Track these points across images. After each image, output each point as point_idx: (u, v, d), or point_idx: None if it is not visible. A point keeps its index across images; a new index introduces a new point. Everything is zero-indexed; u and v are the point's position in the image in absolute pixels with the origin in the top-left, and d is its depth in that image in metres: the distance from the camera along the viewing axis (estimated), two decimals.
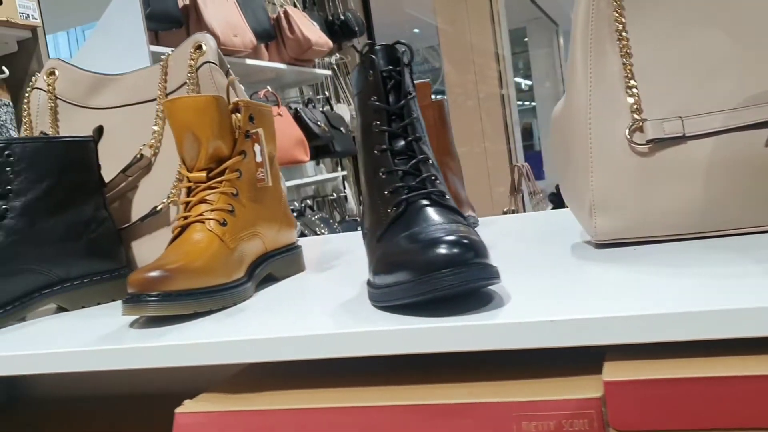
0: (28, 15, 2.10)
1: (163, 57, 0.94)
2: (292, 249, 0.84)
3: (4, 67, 2.11)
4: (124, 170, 0.90)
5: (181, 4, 2.92)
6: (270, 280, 0.80)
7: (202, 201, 0.73)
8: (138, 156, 0.90)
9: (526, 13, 8.09)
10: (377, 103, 0.66)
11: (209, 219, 0.71)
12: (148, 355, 0.58)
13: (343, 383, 0.56)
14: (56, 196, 0.80)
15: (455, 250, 0.51)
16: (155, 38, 2.85)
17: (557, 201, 3.56)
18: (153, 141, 0.91)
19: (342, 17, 4.15)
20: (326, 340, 0.53)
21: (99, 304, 0.83)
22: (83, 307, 0.82)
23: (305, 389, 0.56)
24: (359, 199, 4.11)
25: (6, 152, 0.77)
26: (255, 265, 0.76)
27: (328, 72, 4.11)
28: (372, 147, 0.66)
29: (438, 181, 0.63)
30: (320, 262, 0.90)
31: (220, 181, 0.74)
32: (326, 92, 4.11)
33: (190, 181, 0.75)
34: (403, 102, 0.66)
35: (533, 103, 8.29)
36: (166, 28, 2.89)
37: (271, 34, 3.42)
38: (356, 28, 4.14)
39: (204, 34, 0.92)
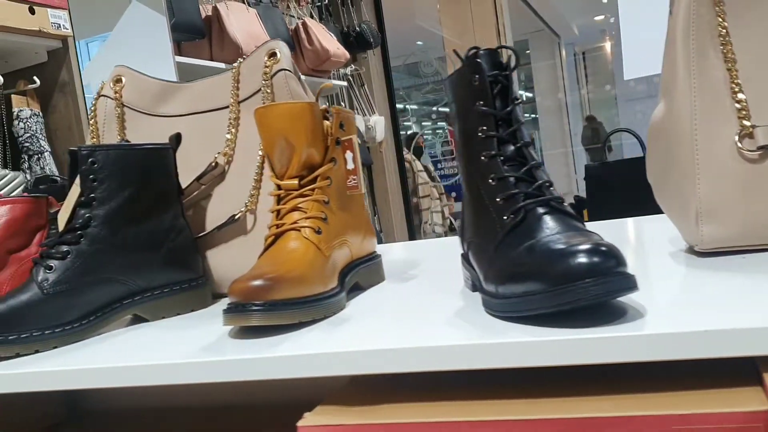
0: (59, 25, 2.09)
1: (234, 65, 0.93)
2: (374, 258, 0.83)
3: (35, 77, 2.10)
4: (198, 178, 0.89)
5: (203, 14, 2.92)
6: (355, 289, 0.79)
7: (295, 209, 0.71)
8: (213, 164, 0.89)
9: (529, 26, 8.12)
10: (484, 108, 0.64)
11: (305, 227, 0.70)
12: (264, 366, 0.56)
13: (468, 396, 0.54)
14: (138, 205, 0.79)
15: (596, 259, 0.49)
16: (177, 49, 2.85)
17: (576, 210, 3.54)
18: (227, 149, 0.90)
19: (357, 29, 4.15)
20: (459, 352, 0.51)
21: (178, 314, 0.81)
22: (163, 317, 0.80)
23: (427, 402, 0.55)
24: (374, 209, 4.10)
25: (90, 159, 0.76)
26: (344, 274, 0.74)
27: (344, 83, 4.11)
28: (478, 153, 0.64)
29: (553, 188, 0.62)
30: (396, 272, 0.89)
31: (312, 189, 0.72)
32: (342, 102, 4.10)
33: (280, 189, 0.73)
34: (510, 107, 0.64)
35: (535, 115, 8.31)
36: (189, 39, 2.88)
37: (291, 45, 3.42)
38: (371, 40, 4.14)
39: (278, 41, 0.91)
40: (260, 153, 0.88)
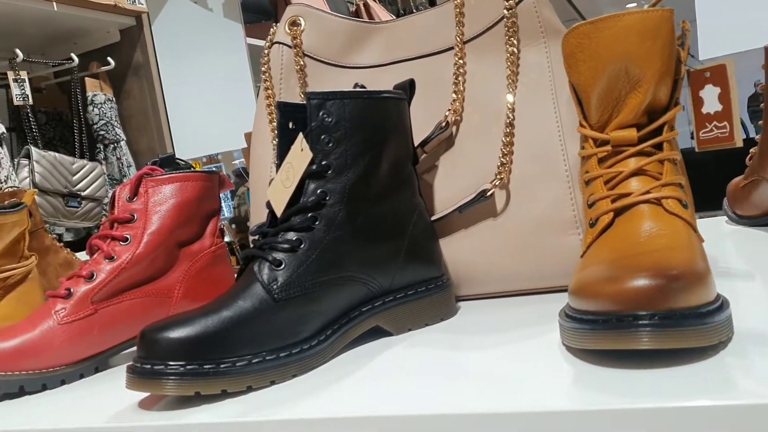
0: (134, 0, 1.89)
1: None
2: None
3: (110, 58, 1.90)
4: (422, 144, 0.67)
5: None
6: None
7: (639, 172, 0.49)
8: (442, 124, 0.67)
9: (561, 14, 7.86)
10: None
11: (666, 197, 0.47)
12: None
13: None
14: (377, 175, 0.57)
15: None
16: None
17: None
18: (457, 105, 0.68)
19: (414, 11, 3.94)
20: None
21: (426, 325, 0.59)
22: (409, 329, 0.59)
23: None
24: None
25: (321, 113, 0.54)
26: None
27: None
28: None
29: None
30: None
31: (658, 144, 0.50)
32: None
33: (602, 145, 0.51)
34: None
35: None
36: (257, 20, 2.67)
37: None
38: None
39: None
40: (509, 105, 0.66)
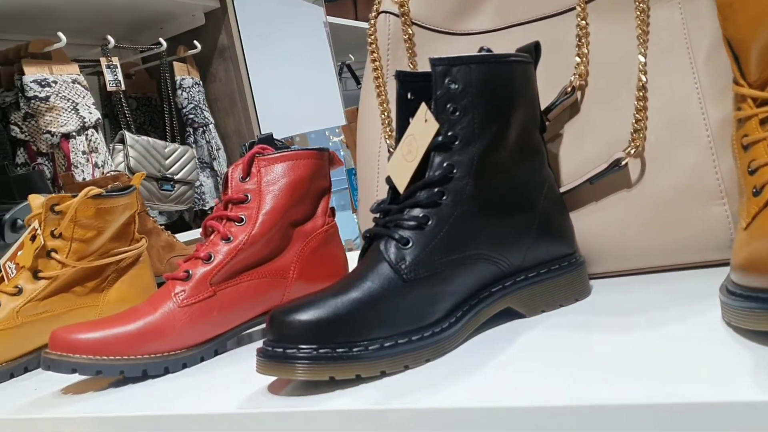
0: None
1: None
2: None
3: (196, 42, 1.92)
4: (544, 112, 0.62)
5: None
6: None
7: None
8: (568, 89, 0.62)
9: None
10: None
11: None
12: None
13: None
14: (505, 146, 0.53)
15: None
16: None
17: None
18: (582, 69, 0.63)
19: None
20: None
21: (561, 306, 0.56)
22: (543, 311, 0.55)
23: None
24: None
25: (447, 79, 0.51)
26: None
27: None
28: None
29: None
30: None
31: None
32: None
33: (765, 104, 0.46)
34: None
35: None
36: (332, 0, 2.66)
37: None
38: None
39: None
40: (640, 67, 0.60)
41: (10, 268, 0.69)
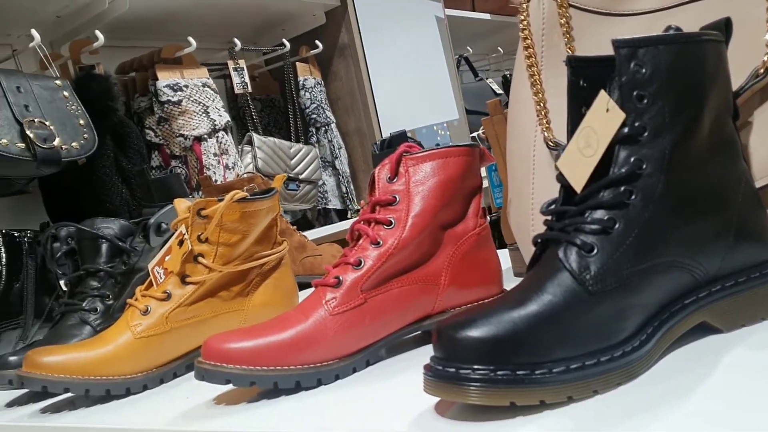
0: None
1: None
2: None
3: (317, 41, 1.92)
4: (736, 95, 0.55)
5: None
6: None
7: None
8: (760, 71, 0.54)
9: None
10: None
11: None
12: None
13: None
14: (698, 137, 0.46)
15: None
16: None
17: None
18: None
19: None
20: None
21: (763, 320, 0.48)
22: (743, 326, 0.48)
23: None
24: None
25: (633, 63, 0.44)
26: None
27: None
28: None
29: None
30: None
31: None
32: None
33: None
34: None
35: None
36: None
37: None
38: None
39: None
40: None
41: (158, 273, 0.69)
